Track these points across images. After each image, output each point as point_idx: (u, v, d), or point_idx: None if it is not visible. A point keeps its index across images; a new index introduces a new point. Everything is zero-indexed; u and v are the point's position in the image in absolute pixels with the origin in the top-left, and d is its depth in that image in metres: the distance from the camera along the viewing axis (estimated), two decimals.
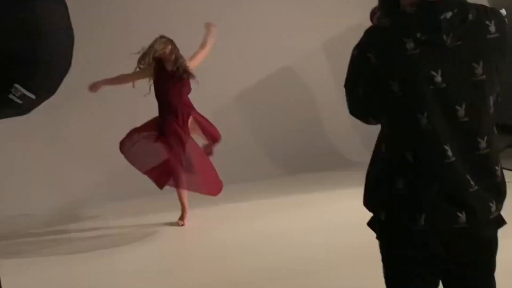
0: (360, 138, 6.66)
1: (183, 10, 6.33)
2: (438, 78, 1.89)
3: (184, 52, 5.07)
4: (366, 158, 6.74)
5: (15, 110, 2.33)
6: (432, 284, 2.10)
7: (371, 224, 2.14)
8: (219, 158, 5.43)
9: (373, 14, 2.18)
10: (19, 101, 2.18)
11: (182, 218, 5.29)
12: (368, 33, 2.01)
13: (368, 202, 2.10)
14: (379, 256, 2.13)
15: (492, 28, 1.92)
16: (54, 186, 6.12)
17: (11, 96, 2.15)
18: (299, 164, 6.42)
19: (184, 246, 5.14)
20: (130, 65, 5.05)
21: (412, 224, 1.97)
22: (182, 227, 5.23)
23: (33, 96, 2.16)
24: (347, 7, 6.69)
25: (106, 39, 6.15)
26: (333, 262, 4.25)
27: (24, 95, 2.18)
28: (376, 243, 2.12)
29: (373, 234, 2.12)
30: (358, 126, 7.15)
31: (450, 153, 1.91)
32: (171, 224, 5.30)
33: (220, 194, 5.18)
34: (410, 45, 1.89)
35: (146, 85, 5.15)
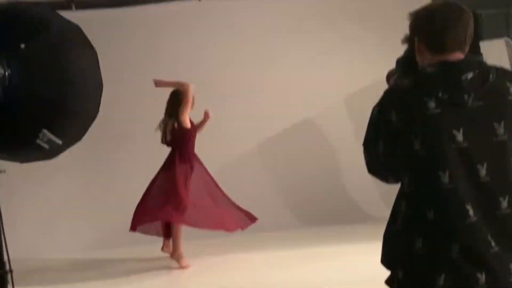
0: (380, 193, 6.55)
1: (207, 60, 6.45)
2: (460, 137, 1.88)
3: None
4: (385, 213, 6.59)
5: (42, 155, 2.39)
6: None
7: (389, 282, 2.07)
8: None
9: (389, 76, 2.20)
10: (46, 146, 2.19)
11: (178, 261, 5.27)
12: (388, 93, 2.01)
13: (386, 260, 2.06)
14: None
15: None
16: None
17: (38, 141, 2.16)
18: (317, 216, 6.34)
19: None
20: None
21: (431, 284, 1.91)
22: (185, 270, 5.20)
23: (59, 142, 2.17)
24: (369, 62, 6.70)
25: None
26: None
27: (51, 140, 2.18)
28: None
29: None
30: (378, 181, 7.05)
31: (471, 212, 1.88)
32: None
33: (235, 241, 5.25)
34: (432, 104, 1.88)
35: None
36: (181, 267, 5.22)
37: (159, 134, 5.40)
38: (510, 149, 1.94)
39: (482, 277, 1.87)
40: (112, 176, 6.34)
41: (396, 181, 2.06)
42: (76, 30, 2.37)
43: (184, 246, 5.49)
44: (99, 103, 2.20)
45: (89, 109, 2.18)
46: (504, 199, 1.92)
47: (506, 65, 6.21)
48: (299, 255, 5.47)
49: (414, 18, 2.03)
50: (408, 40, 2.07)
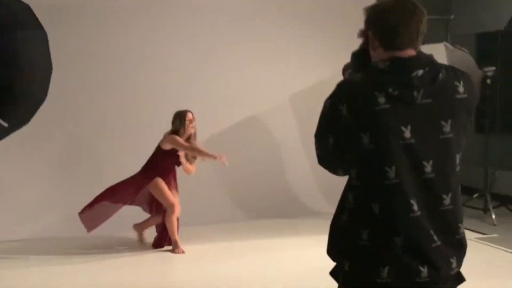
0: (320, 189, 6.67)
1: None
2: (407, 134, 1.87)
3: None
4: (325, 207, 6.73)
5: None
6: None
7: (334, 273, 2.08)
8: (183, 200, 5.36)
9: (345, 69, 2.17)
10: None
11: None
12: (340, 86, 1.97)
13: (332, 251, 2.05)
14: None
15: (461, 89, 1.93)
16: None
17: None
18: (260, 210, 6.36)
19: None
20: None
21: (375, 276, 1.91)
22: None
23: (5, 124, 1.98)
24: (314, 62, 6.77)
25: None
26: None
27: None
28: None
29: (334, 283, 2.07)
30: (320, 176, 7.21)
31: (415, 207, 1.88)
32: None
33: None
34: (382, 99, 1.86)
35: None
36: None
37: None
38: (456, 147, 1.94)
39: (424, 270, 1.89)
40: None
41: (344, 174, 2.04)
42: (25, 10, 2.13)
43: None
44: (47, 87, 2.04)
45: (37, 92, 2.02)
46: (447, 195, 1.93)
47: None
48: (242, 247, 5.47)
49: (368, 13, 2.00)
50: (363, 34, 2.04)
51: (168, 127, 5.28)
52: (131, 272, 4.95)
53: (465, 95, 1.94)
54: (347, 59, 7.53)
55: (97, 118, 6.18)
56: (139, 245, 5.49)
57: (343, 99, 1.92)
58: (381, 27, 1.95)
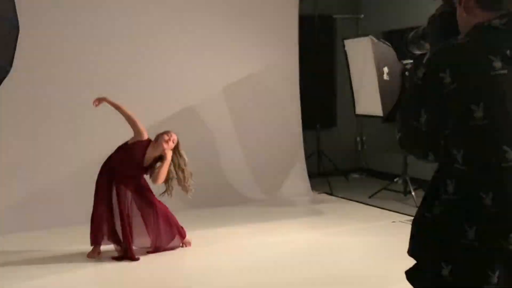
0: (254, 176, 6.38)
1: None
2: None
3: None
4: (258, 195, 6.31)
5: None
6: None
7: (415, 276, 1.72)
8: None
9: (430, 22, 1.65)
10: None
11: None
12: (439, 51, 1.56)
13: (421, 252, 1.66)
14: None
15: None
16: None
17: None
18: (197, 200, 5.91)
19: None
20: None
21: (483, 282, 1.51)
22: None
23: None
24: (246, 55, 6.44)
25: None
26: None
27: None
28: None
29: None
30: (252, 165, 6.90)
31: None
32: None
33: None
34: (498, 64, 1.47)
35: None
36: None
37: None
38: None
39: None
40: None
41: (436, 159, 1.63)
42: None
43: None
44: (13, 52, 1.41)
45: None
46: None
47: (370, 59, 6.26)
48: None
49: None
50: None
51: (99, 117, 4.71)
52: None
53: None
54: (277, 53, 7.05)
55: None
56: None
57: (445, 64, 1.50)
58: None
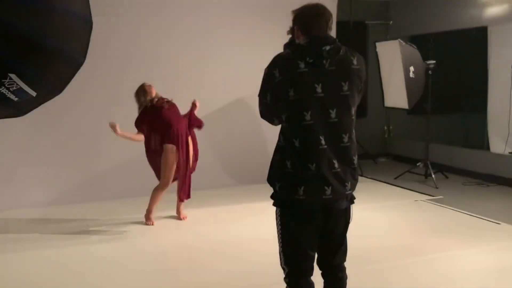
0: None
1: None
2: (319, 89, 2.06)
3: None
4: None
5: (7, 109, 1.36)
6: (314, 235, 2.18)
7: (272, 195, 2.20)
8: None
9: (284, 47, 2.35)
10: (13, 97, 1.24)
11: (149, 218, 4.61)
12: (275, 58, 2.15)
13: (269, 178, 2.19)
14: None
15: (355, 62, 2.15)
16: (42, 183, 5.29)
17: (3, 89, 1.20)
18: (248, 177, 5.94)
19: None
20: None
21: (294, 194, 2.08)
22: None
23: (32, 93, 1.24)
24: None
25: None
26: None
27: (21, 90, 1.24)
28: None
29: None
30: None
31: (323, 141, 2.06)
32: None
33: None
34: (302, 65, 2.06)
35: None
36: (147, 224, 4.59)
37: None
38: (351, 101, 2.13)
39: (328, 190, 2.08)
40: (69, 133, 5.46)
41: (279, 123, 2.18)
42: None
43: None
44: (87, 46, 1.30)
45: (75, 51, 1.26)
46: (346, 135, 2.11)
47: (398, 59, 6.07)
48: (238, 210, 5.05)
49: (294, 14, 2.20)
50: (291, 30, 2.22)
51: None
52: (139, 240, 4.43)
53: (358, 67, 2.15)
54: None
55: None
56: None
57: (276, 65, 2.10)
58: (302, 20, 2.16)
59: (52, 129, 5.37)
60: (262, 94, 2.17)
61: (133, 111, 4.71)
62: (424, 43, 7.00)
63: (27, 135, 5.26)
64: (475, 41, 6.55)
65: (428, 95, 6.23)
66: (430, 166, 6.22)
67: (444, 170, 6.54)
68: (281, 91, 2.08)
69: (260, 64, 6.47)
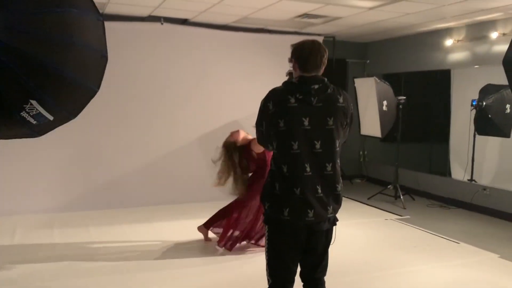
0: None
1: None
2: (306, 123, 2.07)
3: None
4: None
5: (26, 131, 1.37)
6: (297, 252, 2.16)
7: (263, 213, 2.21)
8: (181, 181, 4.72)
9: (286, 74, 2.52)
10: (32, 121, 1.25)
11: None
12: (270, 91, 2.16)
13: (261, 197, 2.21)
14: None
15: (341, 100, 2.14)
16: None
17: (24, 114, 1.21)
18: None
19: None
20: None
21: (280, 214, 2.08)
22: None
23: (50, 117, 1.25)
24: (275, 81, 6.34)
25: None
26: None
27: (39, 114, 1.24)
28: None
29: None
30: None
31: (308, 169, 2.05)
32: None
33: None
34: (292, 100, 2.07)
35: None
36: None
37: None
38: (336, 134, 2.11)
39: (311, 212, 2.06)
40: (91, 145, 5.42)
41: (273, 149, 2.18)
42: None
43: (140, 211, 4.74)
44: (101, 77, 1.32)
45: (90, 82, 1.22)
46: (329, 164, 2.10)
47: (373, 94, 6.13)
48: None
49: (292, 48, 2.20)
50: (290, 60, 2.23)
51: (170, 131, 4.60)
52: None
53: (343, 105, 2.14)
54: None
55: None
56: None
57: (270, 99, 2.12)
58: (298, 57, 2.15)
59: (65, 143, 5.32)
60: (258, 123, 2.19)
61: (133, 128, 4.64)
62: (396, 81, 7.10)
63: (40, 147, 5.20)
64: (440, 81, 6.66)
65: (399, 126, 6.28)
66: (399, 189, 6.23)
67: (411, 192, 6.58)
68: (273, 122, 2.08)
69: (250, 90, 6.59)
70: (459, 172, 6.26)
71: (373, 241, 4.57)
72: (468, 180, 6.09)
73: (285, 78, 6.32)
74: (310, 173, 2.05)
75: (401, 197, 6.11)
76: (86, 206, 5.26)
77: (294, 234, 2.10)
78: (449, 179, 6.37)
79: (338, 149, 2.13)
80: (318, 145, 2.06)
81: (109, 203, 5.35)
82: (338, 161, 2.14)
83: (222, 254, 3.95)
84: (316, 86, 2.08)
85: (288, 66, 7.89)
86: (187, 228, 4.64)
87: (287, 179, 2.06)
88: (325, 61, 2.15)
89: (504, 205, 5.50)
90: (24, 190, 5.10)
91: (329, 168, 2.09)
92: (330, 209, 2.11)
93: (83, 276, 3.40)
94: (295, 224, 2.07)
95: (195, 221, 4.79)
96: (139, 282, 3.32)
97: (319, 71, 2.14)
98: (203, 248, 4.09)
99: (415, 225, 5.14)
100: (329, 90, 2.11)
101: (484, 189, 5.75)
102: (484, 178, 6.02)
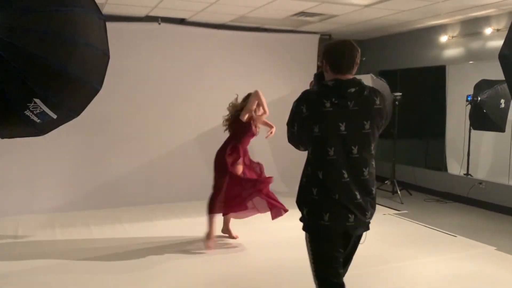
0: (280, 174, 6.27)
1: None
2: (343, 128, 2.00)
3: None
4: (283, 188, 5.97)
5: (29, 129, 1.37)
6: (339, 255, 2.12)
7: (300, 218, 2.15)
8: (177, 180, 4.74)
9: (310, 84, 2.32)
10: (36, 120, 1.26)
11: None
12: (303, 93, 2.09)
13: (298, 201, 2.15)
14: None
15: (377, 102, 2.07)
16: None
17: (27, 112, 1.21)
18: None
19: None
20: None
21: (320, 219, 2.03)
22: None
23: (53, 116, 1.26)
24: (276, 82, 6.36)
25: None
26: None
27: (43, 113, 1.25)
28: None
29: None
30: (279, 165, 6.67)
31: (346, 175, 2.00)
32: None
33: None
34: (327, 104, 1.99)
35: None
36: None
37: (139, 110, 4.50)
38: (372, 138, 2.06)
39: (351, 217, 2.03)
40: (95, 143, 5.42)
41: (304, 150, 2.15)
42: None
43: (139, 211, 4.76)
44: (104, 75, 1.32)
45: (93, 80, 1.23)
46: (366, 169, 2.05)
47: None
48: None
49: (323, 48, 2.14)
50: (321, 62, 2.15)
51: (169, 130, 4.63)
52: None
53: (380, 106, 2.08)
54: (299, 82, 6.84)
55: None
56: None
57: (304, 102, 2.05)
58: (330, 58, 2.07)
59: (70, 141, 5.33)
60: (290, 123, 2.13)
61: (132, 128, 4.65)
62: (392, 77, 7.13)
63: (42, 147, 5.20)
64: (435, 77, 6.69)
65: (395, 122, 6.31)
66: (396, 184, 6.27)
67: (409, 187, 6.62)
68: (307, 126, 2.03)
69: (248, 89, 6.59)
70: (455, 167, 6.30)
71: (372, 235, 4.54)
72: (464, 174, 6.13)
73: (281, 77, 6.52)
74: (348, 179, 2.00)
75: (399, 192, 6.15)
76: (87, 205, 5.28)
77: (334, 239, 2.06)
78: (445, 174, 6.41)
79: (373, 152, 2.08)
80: (355, 150, 2.01)
81: (110, 202, 5.36)
82: (373, 163, 2.09)
83: (224, 251, 3.97)
84: (353, 90, 2.02)
85: (283, 65, 7.96)
86: (187, 225, 4.66)
87: (324, 185, 2.01)
88: (358, 61, 2.08)
89: (499, 199, 5.55)
90: (26, 190, 5.10)
91: (365, 172, 2.04)
92: (369, 214, 2.08)
93: (85, 273, 3.42)
94: (334, 230, 2.04)
95: (196, 219, 4.80)
96: (140, 280, 3.34)
97: (353, 72, 2.08)
98: (204, 246, 4.12)
99: (413, 220, 5.18)
100: (365, 92, 2.03)
101: (480, 183, 5.79)
102: (480, 172, 6.07)
